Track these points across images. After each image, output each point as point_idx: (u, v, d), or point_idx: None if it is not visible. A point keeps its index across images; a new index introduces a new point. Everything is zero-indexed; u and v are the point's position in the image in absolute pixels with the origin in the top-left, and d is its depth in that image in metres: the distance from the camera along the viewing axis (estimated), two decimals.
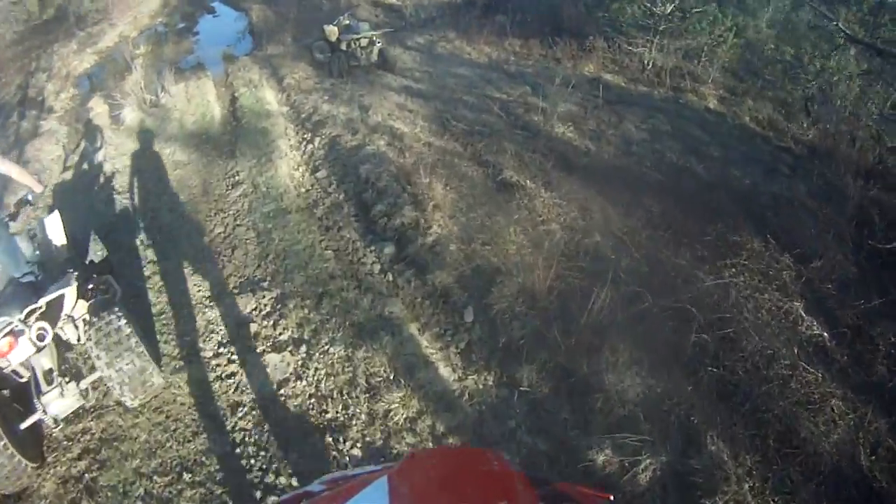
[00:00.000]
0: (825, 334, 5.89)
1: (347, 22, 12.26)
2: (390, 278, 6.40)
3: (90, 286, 5.44)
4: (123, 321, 5.03)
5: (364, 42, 11.88)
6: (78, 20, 17.53)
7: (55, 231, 5.62)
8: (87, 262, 6.05)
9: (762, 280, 6.48)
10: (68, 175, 9.50)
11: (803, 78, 11.52)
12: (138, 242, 7.55)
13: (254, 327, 6.17)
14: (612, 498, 1.94)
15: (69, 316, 5.10)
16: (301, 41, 14.26)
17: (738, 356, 5.57)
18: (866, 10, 10.79)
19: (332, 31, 12.10)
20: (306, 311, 6.15)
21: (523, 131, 9.20)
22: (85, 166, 9.66)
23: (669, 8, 12.30)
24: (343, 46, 11.86)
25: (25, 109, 12.25)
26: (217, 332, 6.22)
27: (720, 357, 5.58)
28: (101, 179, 9.09)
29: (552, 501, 1.66)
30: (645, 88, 12.00)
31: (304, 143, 9.46)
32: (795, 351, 5.57)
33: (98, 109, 11.51)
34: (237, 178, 8.81)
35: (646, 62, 12.74)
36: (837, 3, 11.67)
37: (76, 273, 5.16)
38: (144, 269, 7.15)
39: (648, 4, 12.49)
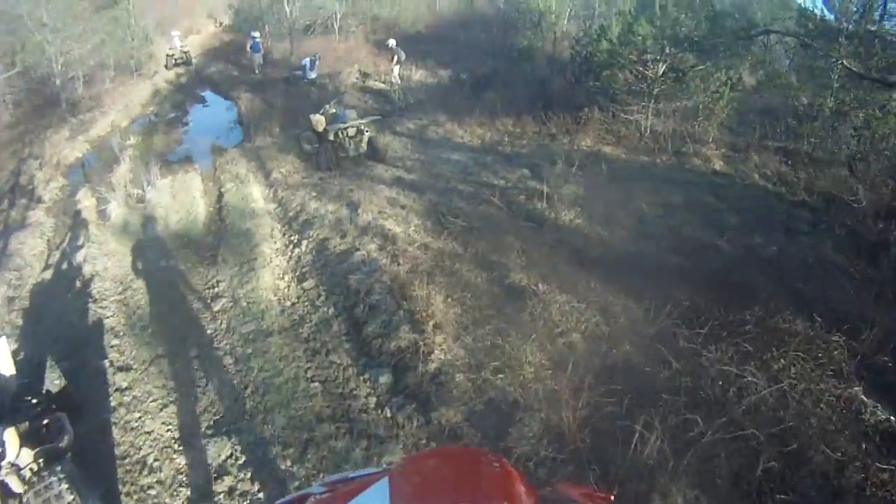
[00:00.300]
0: (892, 418, 4.99)
1: (334, 110, 11.72)
2: (388, 414, 5.42)
3: (45, 421, 4.60)
4: (65, 486, 4.08)
5: (352, 131, 11.30)
6: (71, 107, 17.55)
7: (1, 359, 4.82)
8: (42, 392, 5.11)
9: (815, 368, 5.53)
10: (48, 274, 8.72)
11: (806, 127, 10.99)
12: (107, 364, 6.55)
13: (228, 481, 5.11)
14: (612, 498, 1.89)
15: (13, 464, 4.17)
16: (289, 130, 13.77)
17: (805, 472, 4.56)
18: (857, 42, 10.11)
19: (318, 120, 11.55)
20: (289, 462, 5.10)
21: (527, 222, 8.41)
22: (65, 265, 8.87)
23: (662, 69, 11.78)
24: (331, 136, 11.26)
25: (16, 197, 11.78)
26: (186, 486, 5.16)
27: (787, 478, 4.54)
28: (79, 283, 8.23)
29: (552, 501, 1.64)
30: (647, 158, 11.33)
31: (291, 246, 8.65)
32: (864, 447, 4.69)
33: (85, 203, 10.87)
34: (217, 288, 7.93)
35: (643, 129, 12.15)
36: (826, 40, 11.08)
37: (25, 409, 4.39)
38: (111, 398, 6.13)
39: (641, 68, 11.99)
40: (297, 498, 2.01)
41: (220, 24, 23.85)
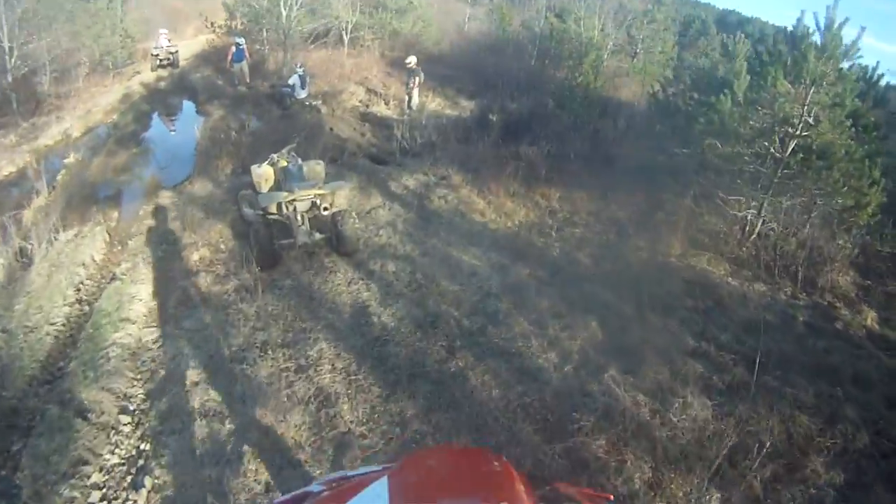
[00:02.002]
0: None
1: (286, 163, 7.37)
2: None
3: None
4: None
5: (304, 204, 6.83)
6: (29, 106, 14.40)
7: None
8: None
9: None
10: None
11: None
12: None
13: None
14: (612, 498, 1.82)
15: None
16: (243, 175, 9.39)
17: None
18: None
19: (263, 176, 7.26)
20: None
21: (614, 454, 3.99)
22: None
23: (791, 146, 7.37)
24: (272, 209, 6.83)
25: None
26: None
27: None
28: None
29: (552, 501, 1.55)
30: (764, 287, 6.95)
31: (127, 477, 4.13)
32: None
33: None
34: None
35: (749, 230, 7.81)
36: None
37: None
38: None
39: (765, 141, 7.59)
40: (297, 496, 1.83)
41: (212, 24, 19.27)
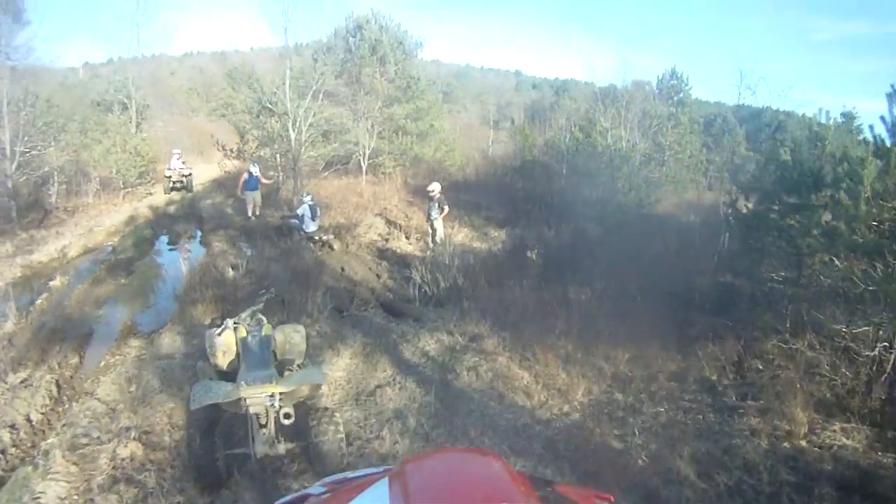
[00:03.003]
0: None
1: (246, 333, 5.24)
2: None
3: None
4: None
5: (259, 401, 4.42)
6: (26, 217, 14.01)
7: None
8: None
9: None
10: None
11: None
12: None
13: None
14: (612, 499, 1.78)
15: None
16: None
17: None
18: None
19: (222, 346, 5.12)
20: None
21: None
22: None
23: None
24: (220, 400, 4.53)
25: None
26: None
27: None
28: None
29: (552, 502, 1.55)
30: None
31: None
32: None
33: None
34: None
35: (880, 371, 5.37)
36: None
37: None
38: None
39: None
40: (297, 498, 1.79)
41: (223, 147, 18.20)
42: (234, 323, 5.19)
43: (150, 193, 18.15)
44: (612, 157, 18.64)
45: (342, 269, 10.90)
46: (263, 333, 5.15)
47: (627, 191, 9.38)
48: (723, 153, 30.99)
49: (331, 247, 12.12)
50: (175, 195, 17.97)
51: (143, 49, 24.87)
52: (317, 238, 12.03)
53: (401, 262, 11.26)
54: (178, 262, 12.02)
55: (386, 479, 1.51)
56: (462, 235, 13.09)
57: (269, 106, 14.76)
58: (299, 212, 12.22)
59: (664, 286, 7.94)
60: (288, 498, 1.96)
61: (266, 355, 4.96)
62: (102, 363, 7.07)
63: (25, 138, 13.72)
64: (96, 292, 9.93)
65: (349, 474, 2.05)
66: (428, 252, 11.74)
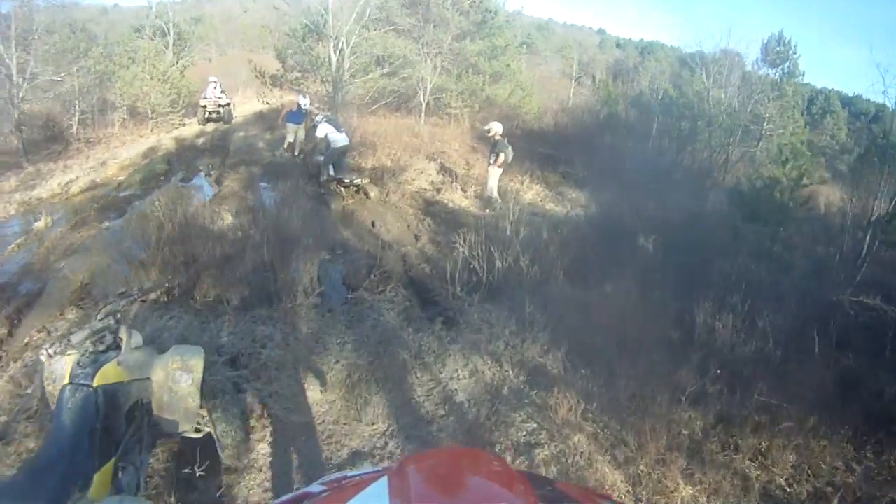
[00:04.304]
0: None
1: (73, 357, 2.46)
2: None
3: None
4: None
5: None
6: (43, 148, 12.65)
7: None
8: None
9: None
10: None
11: None
12: None
13: None
14: (612, 497, 1.75)
15: None
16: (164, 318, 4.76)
17: None
18: None
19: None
20: None
21: None
22: None
23: None
24: None
25: None
26: None
27: None
28: None
29: (552, 501, 1.43)
30: None
31: None
32: None
33: None
34: None
35: None
36: None
37: None
38: None
39: None
40: (296, 497, 1.60)
41: (261, 74, 15.40)
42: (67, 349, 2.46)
43: (183, 124, 15.81)
44: (710, 121, 14.99)
45: (372, 224, 8.15)
46: (96, 384, 2.38)
47: (784, 161, 6.15)
48: (822, 136, 26.55)
49: (366, 193, 9.35)
50: (209, 127, 15.56)
51: None
52: (347, 181, 9.25)
53: (450, 222, 8.39)
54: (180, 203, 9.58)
55: (385, 478, 1.34)
56: (532, 193, 10.03)
57: (313, 27, 11.78)
58: (319, 133, 9.41)
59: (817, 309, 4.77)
60: (287, 497, 1.67)
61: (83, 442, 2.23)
62: (27, 340, 4.74)
63: (39, 67, 12.41)
64: (72, 238, 7.59)
65: (348, 473, 1.83)
66: (486, 210, 8.82)
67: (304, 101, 11.63)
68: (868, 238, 6.27)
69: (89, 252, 6.96)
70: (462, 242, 5.93)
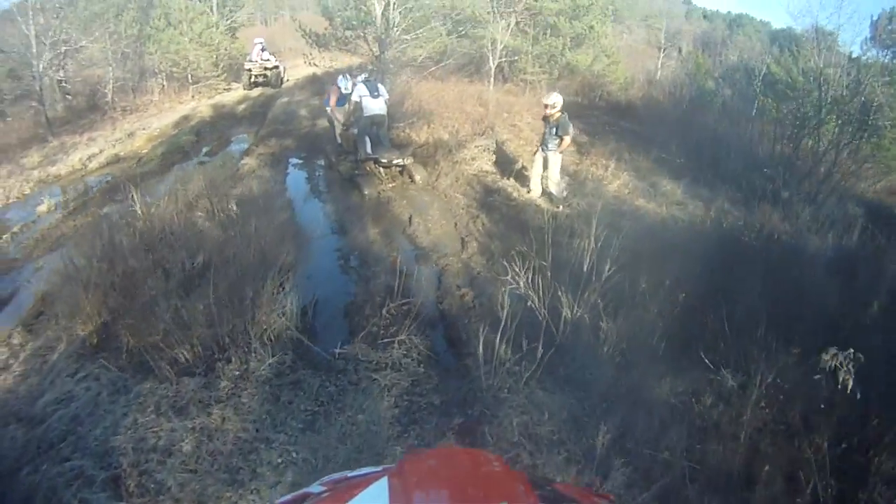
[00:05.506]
0: None
1: None
2: None
3: None
4: None
5: None
6: (80, 118, 11.80)
7: None
8: None
9: None
10: None
11: None
12: None
13: None
14: (612, 498, 1.50)
15: None
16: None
17: None
18: None
19: None
20: None
21: None
22: None
23: None
24: None
25: None
26: None
27: None
28: None
29: (552, 501, 1.28)
30: None
31: None
32: None
33: None
34: None
35: None
36: None
37: None
38: None
39: None
40: (296, 497, 1.43)
41: (307, 34, 13.39)
42: None
43: (228, 90, 14.37)
44: (821, 105, 11.86)
45: (409, 221, 6.18)
46: None
47: None
48: None
49: (411, 176, 7.38)
50: (254, 92, 14.02)
51: None
52: (385, 160, 7.25)
53: (511, 221, 6.31)
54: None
55: (385, 478, 1.26)
56: (619, 184, 7.69)
57: None
58: (354, 97, 7.48)
59: None
60: (287, 497, 1.48)
61: None
62: None
63: (61, 34, 11.40)
64: (65, 227, 6.37)
65: (348, 473, 1.61)
66: (558, 207, 6.66)
67: (344, 84, 8.53)
68: None
69: (83, 242, 5.46)
70: (517, 271, 3.81)
